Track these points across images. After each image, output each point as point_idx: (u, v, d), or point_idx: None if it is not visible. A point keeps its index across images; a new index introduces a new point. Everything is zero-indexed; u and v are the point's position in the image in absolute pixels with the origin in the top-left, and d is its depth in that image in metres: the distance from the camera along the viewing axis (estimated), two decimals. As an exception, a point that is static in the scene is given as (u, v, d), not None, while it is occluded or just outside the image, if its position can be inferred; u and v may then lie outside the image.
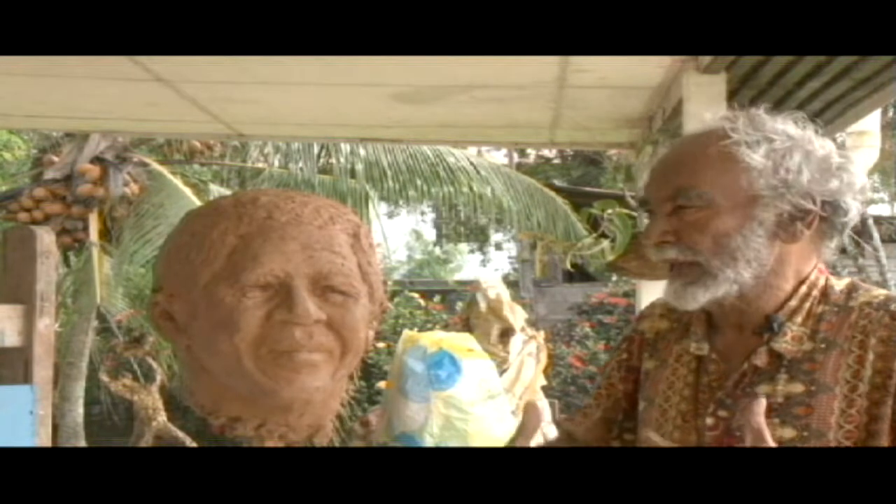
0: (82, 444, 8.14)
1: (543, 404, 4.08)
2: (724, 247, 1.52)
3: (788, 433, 1.49)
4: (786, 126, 1.56)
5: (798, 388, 1.52)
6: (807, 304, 1.57)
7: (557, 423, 1.91)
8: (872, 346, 1.50)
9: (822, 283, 1.60)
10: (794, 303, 1.57)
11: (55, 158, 7.68)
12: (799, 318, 1.56)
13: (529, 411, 1.42)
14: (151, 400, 1.72)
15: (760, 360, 1.56)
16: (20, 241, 1.78)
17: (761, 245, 1.54)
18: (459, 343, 1.84)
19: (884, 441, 1.47)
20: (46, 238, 1.78)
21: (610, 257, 3.44)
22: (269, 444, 1.48)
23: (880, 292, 1.57)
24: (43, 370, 1.75)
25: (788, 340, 1.55)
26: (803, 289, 1.58)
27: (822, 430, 1.48)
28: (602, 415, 1.76)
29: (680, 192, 1.55)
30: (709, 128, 1.59)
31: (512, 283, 12.65)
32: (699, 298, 1.55)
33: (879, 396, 1.48)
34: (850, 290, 1.59)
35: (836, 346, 1.53)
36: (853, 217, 1.57)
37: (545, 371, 4.36)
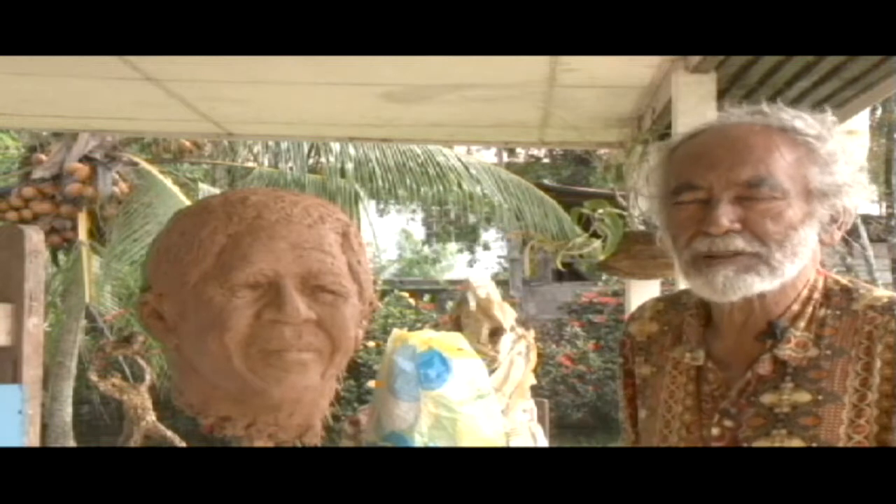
0: (71, 443, 8.12)
1: (530, 404, 4.08)
2: (790, 240, 1.48)
3: (796, 444, 1.45)
4: (831, 128, 1.53)
5: (804, 396, 1.48)
6: (809, 309, 1.53)
7: None
8: (879, 352, 1.46)
9: (821, 284, 1.56)
10: (796, 307, 1.53)
11: (44, 157, 7.65)
12: (802, 323, 1.52)
13: None
14: (140, 399, 1.72)
15: (764, 368, 1.51)
16: (9, 240, 1.78)
17: (813, 243, 1.51)
18: (449, 342, 1.83)
19: None
20: (35, 237, 1.77)
21: (601, 257, 3.44)
22: (259, 443, 1.48)
23: (882, 294, 1.53)
24: (32, 370, 1.74)
25: (793, 347, 1.50)
26: (805, 292, 1.54)
27: (831, 441, 1.44)
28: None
29: (756, 180, 1.48)
30: (757, 117, 1.53)
31: (501, 283, 12.67)
32: (753, 288, 1.48)
33: (889, 405, 1.44)
34: (851, 291, 1.55)
35: (843, 353, 1.48)
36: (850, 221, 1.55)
37: (534, 370, 4.35)
